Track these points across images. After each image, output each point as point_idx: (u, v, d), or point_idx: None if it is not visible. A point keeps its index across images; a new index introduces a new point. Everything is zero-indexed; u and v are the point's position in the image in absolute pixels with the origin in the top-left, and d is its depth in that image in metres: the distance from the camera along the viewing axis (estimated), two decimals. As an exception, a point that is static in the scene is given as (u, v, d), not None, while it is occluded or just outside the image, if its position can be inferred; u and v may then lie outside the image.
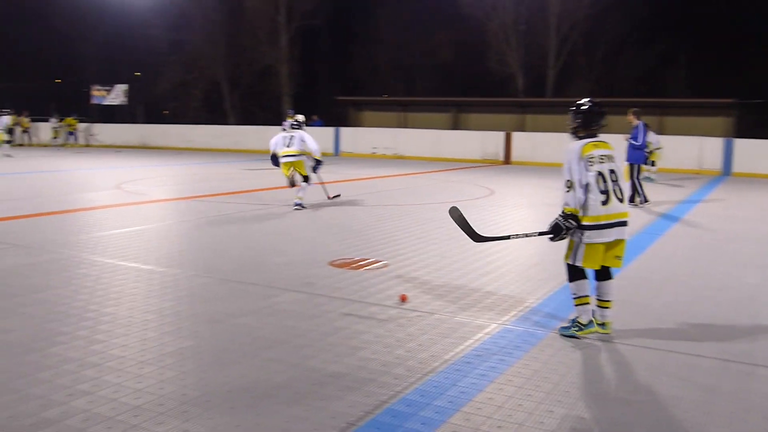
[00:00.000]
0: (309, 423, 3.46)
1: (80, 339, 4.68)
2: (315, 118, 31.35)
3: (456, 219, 5.58)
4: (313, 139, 12.15)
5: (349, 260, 7.44)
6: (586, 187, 4.85)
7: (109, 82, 40.60)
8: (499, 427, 3.47)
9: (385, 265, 7.20)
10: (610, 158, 4.94)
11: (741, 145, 22.06)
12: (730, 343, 4.91)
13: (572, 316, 5.05)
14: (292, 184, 11.89)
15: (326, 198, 12.65)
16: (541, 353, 4.59)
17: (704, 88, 34.74)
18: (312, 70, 48.65)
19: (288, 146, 12.00)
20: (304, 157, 12.03)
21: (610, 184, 4.87)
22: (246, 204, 12.24)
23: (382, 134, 29.23)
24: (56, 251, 7.71)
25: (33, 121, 36.10)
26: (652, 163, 18.39)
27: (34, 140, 35.88)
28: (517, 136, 26.44)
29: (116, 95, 39.32)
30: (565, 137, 5.20)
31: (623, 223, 4.92)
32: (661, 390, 3.99)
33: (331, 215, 10.96)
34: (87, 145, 34.71)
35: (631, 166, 12.89)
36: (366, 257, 7.60)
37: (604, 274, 5.04)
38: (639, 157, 13.12)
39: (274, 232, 9.27)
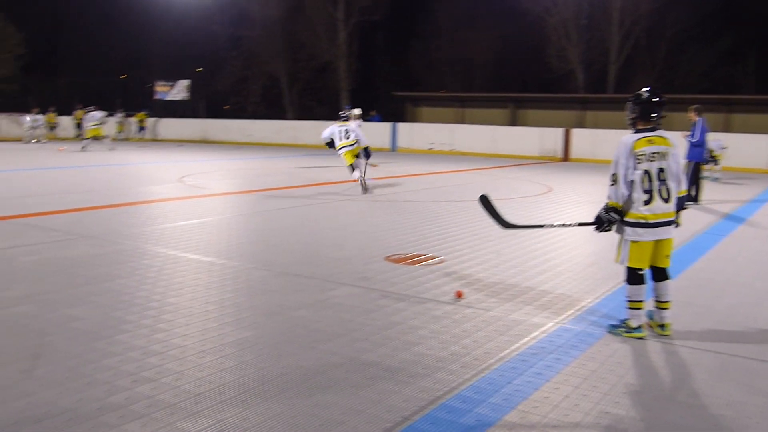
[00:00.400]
0: (364, 416, 3.50)
1: (144, 328, 4.83)
2: (373, 113, 31.47)
3: (485, 206, 5.67)
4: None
5: (405, 255, 7.47)
6: (631, 184, 4.79)
7: (171, 78, 41.53)
8: (554, 426, 3.45)
9: (441, 261, 7.21)
10: (663, 155, 4.81)
11: (812, 143, 21.27)
12: (796, 347, 4.77)
13: (623, 317, 5.00)
14: (353, 169, 13.79)
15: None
16: (599, 353, 4.53)
17: (774, 84, 33.63)
18: (370, 65, 48.85)
19: (347, 138, 13.73)
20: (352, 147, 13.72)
21: (655, 183, 4.78)
22: (304, 198, 12.39)
23: (438, 130, 29.17)
24: (122, 242, 7.95)
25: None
26: (716, 162, 17.89)
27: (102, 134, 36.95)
28: (577, 133, 26.05)
29: (178, 91, 40.25)
30: (627, 134, 5.08)
31: (668, 223, 4.84)
32: (722, 394, 3.90)
33: (388, 211, 11.01)
34: (154, 140, 35.61)
35: (689, 163, 12.57)
36: (422, 253, 7.62)
37: (660, 274, 4.96)
38: (697, 154, 12.77)
39: (331, 227, 9.36)
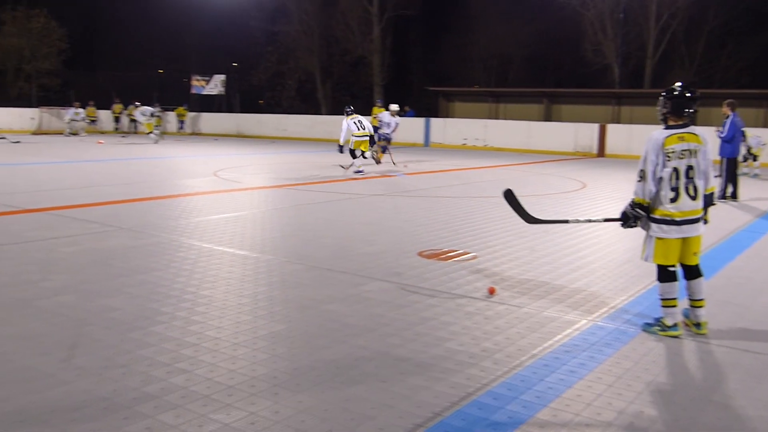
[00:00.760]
0: (395, 411, 3.51)
1: (179, 319, 4.90)
2: (407, 108, 31.44)
3: (509, 200, 5.73)
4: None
5: (437, 251, 7.46)
6: (659, 181, 4.73)
7: (208, 73, 41.93)
8: (587, 425, 3.42)
9: (474, 257, 7.18)
10: (693, 153, 4.73)
11: None
12: (837, 349, 4.66)
13: (658, 315, 4.94)
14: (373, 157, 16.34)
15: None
16: (633, 352, 4.48)
17: (817, 79, 32.80)
18: (403, 60, 48.78)
19: (362, 128, 15.60)
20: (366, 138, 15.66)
21: (683, 181, 4.72)
22: (337, 193, 12.43)
23: (472, 125, 29.03)
24: (157, 235, 8.06)
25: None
26: (754, 158, 17.53)
27: (140, 128, 37.52)
28: (613, 129, 25.73)
29: (214, 85, 40.58)
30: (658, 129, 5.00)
31: (695, 221, 4.77)
32: (760, 396, 3.83)
33: (421, 206, 11.00)
34: (193, 134, 36.01)
35: (722, 160, 12.33)
36: (454, 249, 7.60)
37: (692, 272, 4.90)
38: (729, 150, 12.50)
39: (364, 222, 9.38)
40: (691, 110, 4.83)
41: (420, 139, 29.39)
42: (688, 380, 4.10)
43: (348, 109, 16.45)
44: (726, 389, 3.95)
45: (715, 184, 4.96)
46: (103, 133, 34.74)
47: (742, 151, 15.72)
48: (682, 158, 4.71)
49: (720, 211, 11.22)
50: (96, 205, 10.27)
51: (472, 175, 16.50)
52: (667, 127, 4.86)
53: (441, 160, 20.76)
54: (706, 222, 4.91)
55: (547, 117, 30.23)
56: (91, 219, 9.02)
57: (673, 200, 4.71)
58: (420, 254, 7.28)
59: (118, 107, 36.67)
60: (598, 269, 6.79)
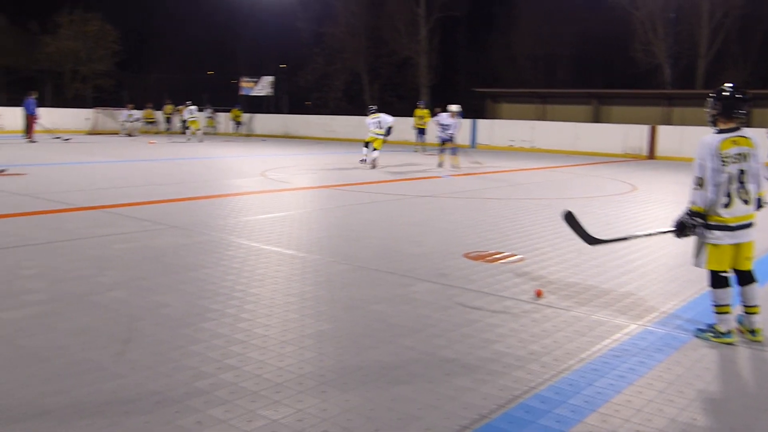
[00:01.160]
0: (441, 412, 3.51)
1: (228, 317, 4.97)
2: (438, 110, 31.38)
3: (569, 222, 5.63)
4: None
5: (484, 253, 7.43)
6: (717, 187, 4.61)
7: (256, 74, 42.45)
8: (637, 431, 3.37)
9: (521, 259, 7.13)
10: (745, 157, 4.62)
11: None
12: None
13: (711, 322, 4.83)
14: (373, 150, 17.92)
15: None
16: (685, 358, 4.39)
17: None
18: (450, 61, 48.61)
19: (380, 127, 17.98)
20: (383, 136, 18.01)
21: (735, 185, 4.60)
22: (383, 193, 12.46)
23: (518, 126, 28.81)
24: (207, 233, 8.20)
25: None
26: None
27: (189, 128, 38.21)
28: (663, 130, 25.26)
29: (263, 86, 41.07)
30: (709, 134, 4.86)
31: (748, 225, 4.66)
32: (818, 405, 3.72)
33: (467, 207, 10.96)
34: (248, 134, 36.51)
35: None
36: (501, 251, 7.56)
37: (745, 278, 4.78)
38: None
39: (410, 223, 9.38)
40: (742, 112, 4.70)
41: (466, 140, 29.27)
42: (742, 388, 4.01)
43: (372, 108, 19.03)
44: (782, 398, 3.85)
45: (767, 188, 4.83)
46: (156, 133, 35.46)
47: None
48: (735, 162, 4.61)
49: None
50: (148, 204, 10.49)
51: (519, 177, 16.37)
52: (719, 131, 4.73)
53: (488, 162, 20.64)
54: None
55: (596, 118, 29.81)
56: (143, 217, 9.22)
57: (726, 206, 4.61)
58: (466, 256, 7.26)
59: (169, 108, 37.43)
60: (648, 273, 6.67)
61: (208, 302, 5.32)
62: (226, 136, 35.98)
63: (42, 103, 34.94)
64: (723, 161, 4.59)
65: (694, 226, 4.74)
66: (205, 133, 35.71)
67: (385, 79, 48.18)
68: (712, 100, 4.79)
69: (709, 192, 4.62)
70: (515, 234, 8.60)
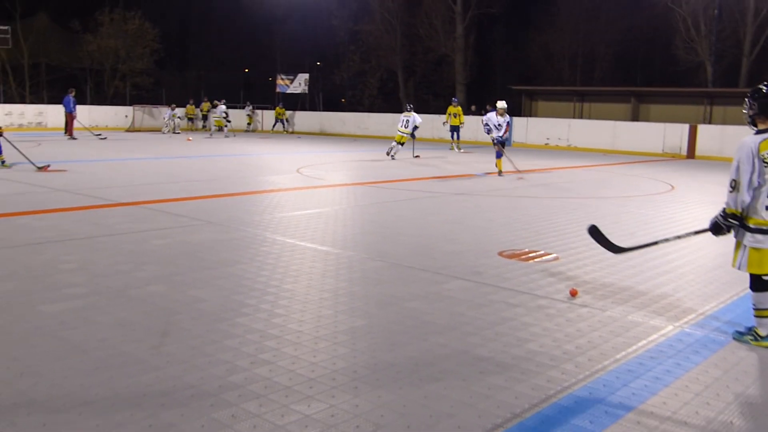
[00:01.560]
0: (474, 410, 3.50)
1: (263, 312, 5.03)
2: (489, 107, 31.18)
3: (593, 235, 5.74)
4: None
5: (518, 251, 7.39)
6: (755, 191, 4.51)
7: (292, 72, 42.74)
8: (672, 432, 3.33)
9: (556, 258, 7.08)
10: None
11: None
12: None
13: (750, 325, 4.75)
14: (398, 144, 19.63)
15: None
16: (723, 361, 4.32)
17: None
18: (486, 58, 48.41)
19: (405, 126, 19.82)
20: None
21: None
22: (418, 191, 12.46)
23: (555, 125, 28.54)
24: (243, 229, 8.29)
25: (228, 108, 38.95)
26: None
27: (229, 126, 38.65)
28: (704, 129, 24.80)
29: (298, 84, 41.32)
30: (749, 135, 4.75)
31: None
32: None
33: (502, 206, 10.91)
34: (292, 132, 36.80)
35: None
36: (536, 249, 7.51)
37: None
38: None
39: (445, 220, 9.37)
40: None
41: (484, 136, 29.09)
42: (781, 391, 3.93)
43: (407, 107, 20.87)
44: (823, 402, 3.77)
45: None
46: (195, 130, 35.92)
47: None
48: None
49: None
50: (185, 200, 10.64)
51: (555, 176, 16.23)
52: (758, 132, 4.63)
53: (524, 160, 20.49)
54: None
55: (635, 116, 29.41)
56: (180, 213, 9.35)
57: None
58: (501, 254, 7.23)
59: (206, 105, 37.86)
60: (686, 274, 6.57)
61: (242, 297, 5.38)
62: (265, 133, 36.28)
63: (83, 101, 35.69)
64: (764, 162, 4.49)
65: (729, 227, 4.68)
66: (245, 131, 36.24)
67: (420, 76, 48.16)
68: (748, 99, 4.71)
69: (744, 195, 4.53)
70: (550, 233, 8.54)
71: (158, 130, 34.08)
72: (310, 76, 42.47)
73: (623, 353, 4.38)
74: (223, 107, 31.26)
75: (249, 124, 37.56)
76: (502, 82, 47.17)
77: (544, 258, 7.10)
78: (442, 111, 31.71)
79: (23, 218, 8.82)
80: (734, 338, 4.72)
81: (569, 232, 8.58)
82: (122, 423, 3.25)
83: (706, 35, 35.40)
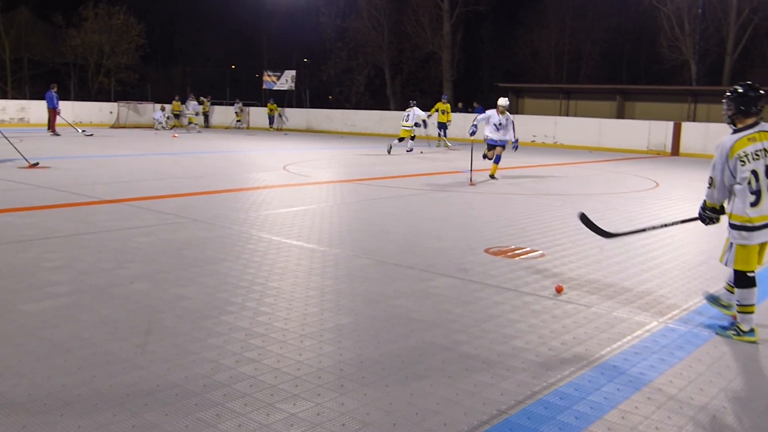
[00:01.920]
0: (460, 407, 3.50)
1: (248, 310, 5.00)
2: (476, 105, 31.25)
3: (584, 221, 5.96)
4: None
5: (504, 248, 7.40)
6: (729, 188, 4.66)
7: (279, 68, 42.60)
8: (657, 429, 3.34)
9: (542, 255, 7.09)
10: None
11: None
12: None
13: (733, 320, 4.83)
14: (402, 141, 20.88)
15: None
16: (706, 356, 4.34)
17: None
18: (473, 56, 48.46)
19: (407, 120, 20.55)
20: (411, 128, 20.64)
21: (764, 182, 4.56)
22: (404, 188, 12.45)
23: (541, 122, 28.62)
24: (228, 226, 8.24)
25: (212, 104, 38.79)
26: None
27: (214, 122, 38.46)
28: (688, 127, 24.97)
29: (285, 80, 41.17)
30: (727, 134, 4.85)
31: None
32: (843, 406, 3.67)
33: (488, 203, 10.92)
34: (277, 129, 36.66)
35: None
36: (522, 246, 7.52)
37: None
38: None
39: (431, 218, 9.37)
40: (758, 108, 4.70)
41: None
42: (764, 387, 3.95)
43: (410, 103, 21.59)
44: (806, 398, 3.80)
45: None
46: (176, 127, 35.74)
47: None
48: (758, 159, 4.57)
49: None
50: (170, 197, 10.57)
51: (541, 173, 16.27)
52: (736, 131, 4.72)
53: (510, 158, 20.53)
54: None
55: (620, 114, 29.53)
56: (165, 210, 9.29)
57: (754, 204, 4.56)
58: (487, 251, 7.23)
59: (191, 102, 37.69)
60: (670, 270, 6.61)
61: (228, 295, 5.35)
62: (252, 130, 36.15)
63: (66, 97, 35.34)
64: (741, 160, 4.57)
65: (710, 219, 4.90)
66: (235, 128, 36.14)
67: (407, 74, 48.14)
68: (726, 100, 4.82)
69: (717, 193, 4.76)
70: (536, 230, 8.56)
71: (144, 127, 33.87)
72: (297, 73, 42.34)
73: (608, 349, 4.39)
74: (195, 103, 31.26)
75: (239, 120, 37.39)
76: (489, 80, 47.31)
77: (530, 255, 7.11)
78: (429, 108, 31.74)
79: (6, 216, 8.73)
80: (717, 333, 4.76)
81: (555, 229, 8.61)
82: (105, 424, 3.22)
83: (690, 34, 35.63)
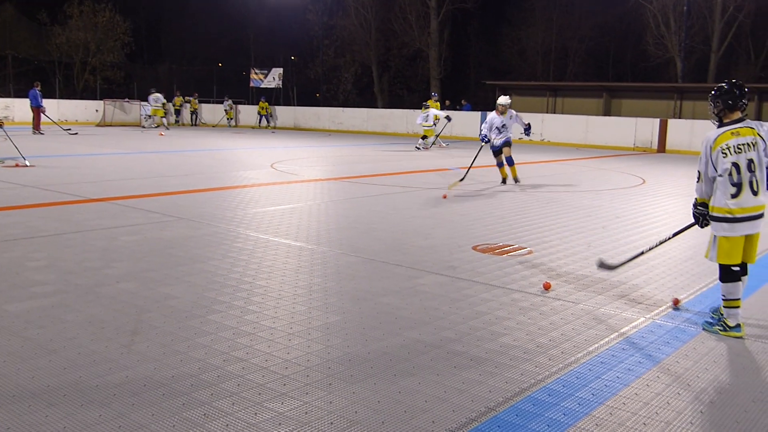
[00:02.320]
0: (448, 404, 3.50)
1: (236, 309, 4.98)
2: (464, 102, 31.29)
3: (603, 267, 6.00)
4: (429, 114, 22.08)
5: (492, 245, 7.40)
6: (713, 180, 4.72)
7: (266, 66, 42.46)
8: (645, 424, 3.35)
9: (530, 252, 7.10)
10: (751, 146, 4.66)
11: None
12: None
13: (719, 315, 4.87)
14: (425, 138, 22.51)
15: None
16: (693, 351, 4.37)
17: None
18: (461, 53, 48.52)
19: (427, 120, 22.04)
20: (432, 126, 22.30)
21: (745, 175, 4.63)
22: (392, 186, 12.44)
23: (528, 119, 28.62)
24: (215, 225, 8.20)
25: (200, 102, 38.57)
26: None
27: (203, 120, 38.24)
28: (674, 124, 25.09)
29: (272, 78, 41.05)
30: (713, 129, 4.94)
31: (757, 217, 4.68)
32: (828, 400, 3.69)
33: (476, 201, 10.93)
34: (265, 127, 36.47)
35: None
36: (510, 243, 7.53)
37: (744, 270, 4.83)
38: None
39: (419, 215, 9.36)
40: (743, 104, 4.79)
41: (475, 133, 29.18)
42: (750, 382, 3.97)
43: (424, 105, 23.03)
44: (792, 393, 3.82)
45: None
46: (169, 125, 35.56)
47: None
48: (740, 152, 4.65)
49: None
50: (157, 196, 10.51)
51: (529, 170, 16.31)
52: (721, 125, 4.81)
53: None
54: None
55: (607, 111, 29.65)
56: (152, 209, 9.24)
57: (735, 195, 4.63)
58: (475, 248, 7.24)
59: (178, 100, 37.51)
60: (657, 266, 6.63)
61: (215, 294, 5.33)
62: (243, 128, 36.00)
63: (51, 95, 35.06)
64: (723, 153, 4.66)
65: (702, 215, 4.88)
66: (227, 126, 35.97)
67: (395, 71, 48.13)
68: (712, 98, 4.90)
69: (704, 185, 4.79)
70: (524, 227, 8.57)
71: (131, 125, 33.63)
72: (284, 71, 42.21)
73: (596, 345, 4.40)
74: (159, 95, 31.09)
75: (229, 118, 37.18)
76: (476, 77, 47.38)
77: (517, 252, 7.12)
78: (416, 106, 31.73)
79: (-10, 215, 8.65)
80: (704, 329, 4.78)
81: (543, 226, 8.63)
82: (90, 424, 3.19)
83: (676, 31, 35.84)
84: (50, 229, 7.78)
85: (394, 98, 48.55)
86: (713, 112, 4.89)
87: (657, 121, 25.22)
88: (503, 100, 12.92)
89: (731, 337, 4.63)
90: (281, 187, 12.17)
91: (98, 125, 33.70)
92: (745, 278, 4.82)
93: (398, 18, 43.41)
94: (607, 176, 15.58)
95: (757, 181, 4.66)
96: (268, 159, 17.71)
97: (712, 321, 4.85)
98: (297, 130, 35.34)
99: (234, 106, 37.91)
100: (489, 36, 49.05)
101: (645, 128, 25.33)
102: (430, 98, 26.10)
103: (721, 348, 4.46)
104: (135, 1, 48.66)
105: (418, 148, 22.14)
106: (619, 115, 28.68)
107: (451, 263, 6.55)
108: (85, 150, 19.42)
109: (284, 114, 37.56)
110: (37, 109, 25.97)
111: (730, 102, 4.78)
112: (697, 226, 5.04)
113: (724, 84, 4.90)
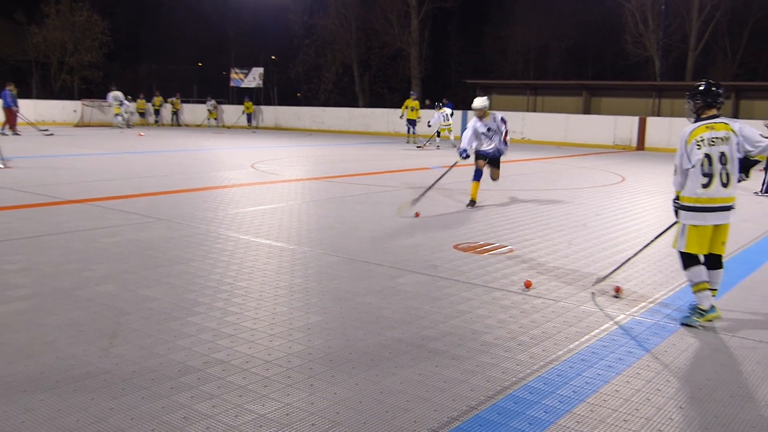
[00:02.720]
0: (430, 404, 3.49)
1: (216, 310, 4.94)
2: (445, 101, 31.33)
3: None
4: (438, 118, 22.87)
5: (473, 244, 7.42)
6: (687, 172, 4.85)
7: (246, 66, 42.27)
8: (625, 420, 3.37)
9: (510, 251, 7.12)
10: (724, 141, 4.80)
11: None
12: None
13: (693, 304, 4.98)
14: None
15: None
16: (673, 347, 4.40)
17: None
18: (442, 52, 48.59)
19: (446, 120, 23.20)
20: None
21: (717, 167, 4.77)
22: (374, 185, 12.44)
23: (509, 118, 28.71)
24: (195, 226, 8.15)
25: (182, 102, 38.33)
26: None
27: (185, 120, 38.00)
28: (653, 122, 25.31)
29: (253, 78, 40.88)
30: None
31: (727, 208, 4.81)
32: (805, 394, 3.73)
33: (457, 199, 10.94)
34: (257, 127, 36.29)
35: None
36: (491, 242, 7.55)
37: (715, 262, 4.96)
38: None
39: (401, 215, 9.35)
40: (720, 102, 4.95)
41: (457, 132, 29.22)
42: (729, 377, 4.01)
43: (438, 105, 23.94)
44: (769, 388, 3.86)
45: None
46: (147, 125, 35.31)
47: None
48: (713, 145, 4.78)
49: (764, 206, 11.00)
50: (136, 197, 10.43)
51: (509, 169, 16.36)
52: (697, 120, 4.96)
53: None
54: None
55: (586, 110, 29.84)
56: (131, 210, 9.16)
57: (705, 186, 4.77)
58: (456, 247, 7.25)
59: (158, 100, 37.26)
60: (636, 263, 6.67)
61: (195, 296, 5.29)
62: (228, 128, 35.81)
63: (28, 95, 34.63)
64: (697, 144, 4.80)
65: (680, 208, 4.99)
66: (208, 126, 35.75)
67: (376, 71, 48.12)
68: (690, 97, 5.03)
69: (679, 177, 4.91)
70: (505, 225, 8.60)
71: (109, 126, 33.34)
72: (264, 70, 42.05)
73: (576, 343, 4.42)
74: (119, 93, 30.90)
75: (215, 119, 36.95)
76: (457, 77, 47.46)
77: (499, 250, 7.14)
78: (397, 105, 31.75)
79: (-34, 218, 8.54)
80: (682, 324, 4.84)
81: (523, 225, 8.66)
82: (69, 430, 3.15)
83: (654, 30, 36.16)
84: (27, 231, 7.69)
85: (375, 97, 48.54)
86: (691, 110, 5.02)
87: (636, 119, 25.43)
88: (478, 102, 10.42)
89: (709, 321, 4.79)
90: (262, 188, 12.12)
91: (77, 126, 33.37)
92: (720, 272, 4.96)
93: (379, 17, 43.41)
94: (587, 174, 15.67)
95: (728, 173, 4.79)
96: (249, 159, 17.63)
97: (688, 314, 4.94)
98: (278, 129, 35.23)
99: (218, 105, 37.71)
100: (470, 35, 49.17)
101: (624, 126, 25.53)
102: (408, 97, 26.13)
103: (700, 344, 4.50)
104: (113, 1, 48.19)
105: (438, 147, 23.33)
106: (598, 113, 28.88)
107: (433, 262, 6.56)
108: (63, 151, 19.23)
109: (265, 114, 37.45)
110: (10, 110, 25.49)
111: (708, 100, 4.92)
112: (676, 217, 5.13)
113: (701, 83, 5.03)
